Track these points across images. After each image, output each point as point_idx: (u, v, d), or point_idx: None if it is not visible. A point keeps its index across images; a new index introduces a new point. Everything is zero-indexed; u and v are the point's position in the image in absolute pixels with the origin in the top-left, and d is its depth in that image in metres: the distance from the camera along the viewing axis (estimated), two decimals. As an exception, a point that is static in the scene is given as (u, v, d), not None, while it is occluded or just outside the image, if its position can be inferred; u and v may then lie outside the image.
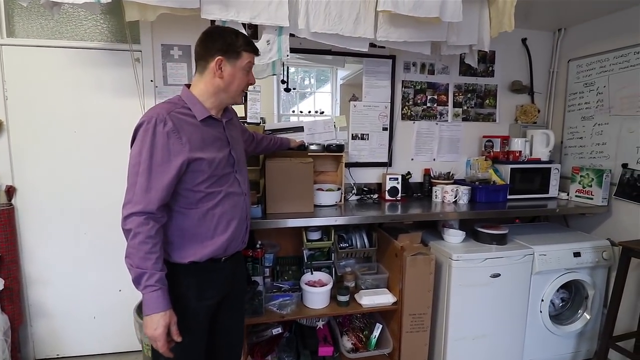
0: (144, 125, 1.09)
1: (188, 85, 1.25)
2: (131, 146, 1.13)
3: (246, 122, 2.13)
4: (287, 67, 2.34)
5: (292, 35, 1.85)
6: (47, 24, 1.96)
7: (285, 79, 2.35)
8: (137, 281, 1.07)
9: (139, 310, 1.79)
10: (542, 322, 2.09)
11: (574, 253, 2.05)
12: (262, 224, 1.74)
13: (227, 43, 1.18)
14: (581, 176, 2.32)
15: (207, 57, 1.18)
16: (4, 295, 1.95)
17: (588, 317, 2.16)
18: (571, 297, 2.26)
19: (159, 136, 1.08)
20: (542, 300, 2.06)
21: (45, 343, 2.15)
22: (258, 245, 1.96)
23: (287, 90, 2.38)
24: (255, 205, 1.77)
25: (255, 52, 1.25)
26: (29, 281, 2.09)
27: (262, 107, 2.23)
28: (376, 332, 2.02)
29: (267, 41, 1.84)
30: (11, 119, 1.96)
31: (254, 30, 2.03)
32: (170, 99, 1.24)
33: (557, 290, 2.10)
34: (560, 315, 2.24)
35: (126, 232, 1.07)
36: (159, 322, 1.08)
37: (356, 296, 1.96)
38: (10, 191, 1.99)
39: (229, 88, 1.22)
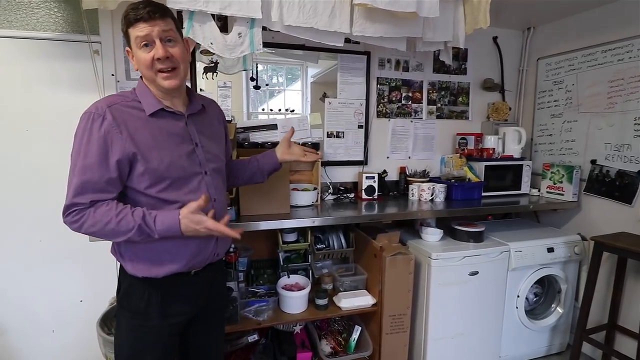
0: (83, 121, 1.01)
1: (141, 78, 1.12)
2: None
3: (217, 119, 2.03)
4: (256, 64, 2.26)
5: (264, 28, 1.77)
6: (-8, 12, 1.78)
7: (254, 76, 2.26)
8: (146, 236, 1.01)
9: (103, 322, 1.65)
10: (518, 317, 2.11)
11: (547, 249, 2.09)
12: (235, 227, 1.64)
13: (122, 32, 1.06)
14: (552, 172, 2.38)
15: None
16: (-55, 313, 1.75)
17: (561, 311, 2.20)
18: (544, 291, 2.30)
19: (94, 134, 0.98)
20: (518, 296, 2.09)
21: (-2, 362, 1.96)
22: (231, 249, 1.87)
23: (257, 87, 2.29)
24: (229, 208, 1.68)
25: (139, 17, 1.00)
26: (-25, 295, 1.89)
27: (230, 105, 2.13)
28: (355, 335, 1.97)
29: (239, 34, 1.75)
30: (-49, 116, 1.76)
31: (223, 22, 1.93)
32: (122, 91, 1.13)
33: (532, 286, 2.13)
34: (534, 310, 2.28)
35: (83, 229, 1.00)
36: (188, 220, 1.01)
37: (335, 299, 1.91)
38: (-50, 196, 1.79)
39: (142, 71, 1.06)
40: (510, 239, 2.09)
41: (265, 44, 1.98)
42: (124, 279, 1.12)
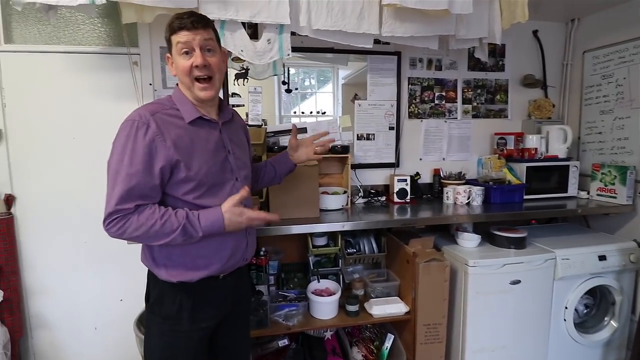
0: (126, 129, 1.02)
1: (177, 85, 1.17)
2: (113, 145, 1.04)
3: (248, 124, 2.06)
4: (288, 68, 2.29)
5: (293, 33, 1.78)
6: (45, 29, 1.92)
7: (286, 80, 2.28)
8: (190, 237, 1.03)
9: (140, 322, 1.71)
10: (566, 330, 1.95)
11: (598, 256, 1.92)
12: (264, 231, 1.65)
13: (165, 39, 1.10)
14: (602, 173, 2.19)
15: None
16: (4, 307, 1.89)
17: (615, 325, 2.01)
18: (596, 303, 2.12)
19: (139, 142, 1.00)
20: (566, 308, 1.93)
21: (46, 355, 2.08)
22: (262, 253, 1.88)
23: (288, 91, 2.31)
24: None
25: (184, 26, 1.04)
26: (29, 292, 2.03)
27: (263, 108, 2.16)
28: (388, 344, 1.91)
29: (268, 40, 1.78)
30: (9, 127, 1.92)
31: (254, 29, 1.97)
32: (159, 99, 1.16)
33: (582, 296, 1.97)
34: (584, 322, 2.10)
35: (127, 234, 1.00)
36: (232, 215, 1.06)
37: (366, 305, 1.86)
38: (9, 200, 1.94)
39: (181, 78, 1.10)
40: (557, 245, 1.94)
41: (295, 49, 1.99)
42: (155, 285, 1.15)
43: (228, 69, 2.07)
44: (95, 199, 2.00)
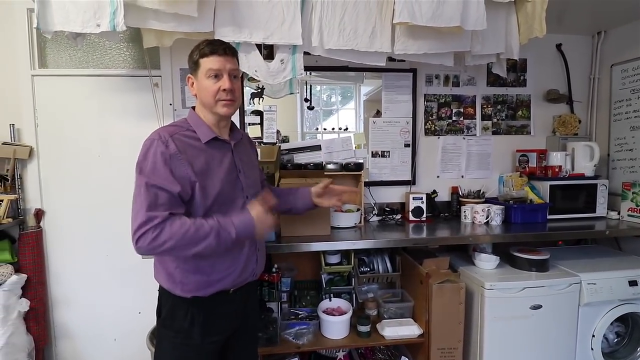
0: (145, 147, 1.07)
1: (193, 108, 1.22)
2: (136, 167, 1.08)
3: (262, 141, 2.10)
4: (311, 86, 2.32)
5: (307, 53, 1.81)
6: (75, 54, 2.06)
7: (308, 97, 2.31)
8: (224, 242, 1.06)
9: (153, 335, 1.75)
10: (594, 360, 1.83)
11: (629, 282, 1.79)
12: (277, 248, 1.67)
13: (191, 60, 1.16)
14: (634, 193, 2.07)
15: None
16: (30, 316, 1.99)
17: (651, 356, 1.87)
18: (628, 331, 1.97)
19: (159, 157, 1.04)
20: (593, 336, 1.81)
21: (69, 364, 2.17)
22: (274, 269, 1.88)
23: (311, 108, 2.34)
24: (269, 229, 1.71)
25: (215, 51, 1.11)
26: (54, 302, 2.13)
27: (284, 125, 2.20)
28: (401, 366, 1.85)
29: (281, 60, 1.82)
30: (41, 145, 2.05)
31: (269, 50, 2.02)
32: (175, 121, 1.21)
33: (611, 324, 1.84)
34: (615, 352, 1.96)
35: (163, 245, 1.01)
36: (258, 220, 1.09)
37: (378, 326, 1.82)
38: (39, 214, 2.06)
39: (204, 100, 1.15)
40: (582, 269, 1.83)
41: (309, 68, 2.03)
42: (167, 300, 1.17)
43: (244, 88, 2.13)
44: (117, 214, 2.11)
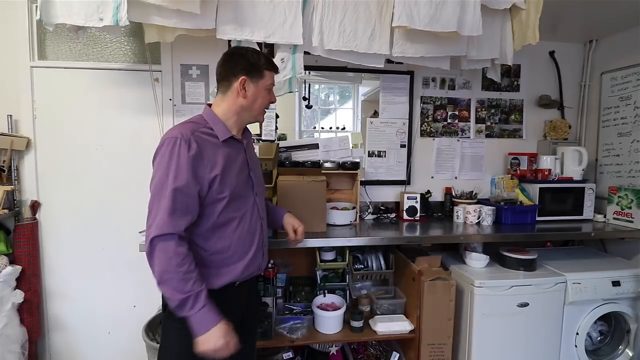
0: (169, 146, 1.07)
1: (209, 105, 1.25)
2: (153, 164, 1.10)
3: (261, 139, 2.13)
4: (309, 84, 2.35)
5: (307, 52, 1.85)
6: (75, 47, 2.06)
7: (306, 96, 2.34)
8: (181, 307, 1.02)
9: (148, 328, 1.77)
10: (577, 357, 1.90)
11: (612, 282, 1.86)
12: (272, 243, 1.69)
13: (250, 63, 1.18)
14: (619, 197, 2.14)
15: (230, 78, 1.18)
16: (24, 308, 1.98)
17: (630, 354, 1.94)
18: (611, 330, 2.05)
19: (183, 157, 1.05)
20: (577, 334, 1.87)
21: (62, 356, 2.17)
22: (270, 265, 1.92)
23: (309, 107, 2.37)
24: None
25: (276, 70, 1.26)
26: (48, 294, 2.13)
27: (282, 123, 2.23)
28: (392, 361, 1.90)
29: (282, 59, 1.84)
30: (39, 137, 2.04)
31: (270, 48, 2.04)
32: (192, 118, 1.23)
33: (595, 322, 1.91)
34: (598, 350, 2.03)
35: (154, 256, 1.02)
36: (219, 333, 1.04)
37: (370, 322, 1.86)
38: (35, 206, 2.06)
39: (252, 107, 1.22)
40: (568, 269, 1.90)
41: (309, 67, 2.06)
42: None
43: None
44: (114, 207, 2.12)
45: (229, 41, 1.92)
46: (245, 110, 1.21)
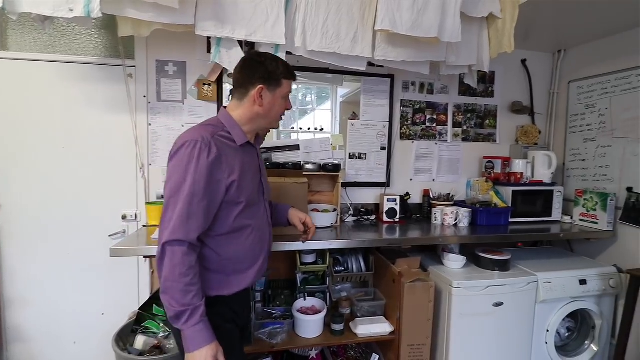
0: (188, 149, 1.03)
1: (224, 107, 1.23)
2: (168, 165, 1.07)
3: (240, 139, 2.08)
4: (289, 85, 2.31)
5: (289, 53, 1.82)
6: (41, 38, 1.93)
7: (284, 97, 2.31)
8: (177, 318, 1.00)
9: (119, 337, 1.68)
10: (547, 353, 1.98)
11: (579, 280, 1.96)
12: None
13: (268, 71, 1.16)
14: (585, 199, 2.26)
15: (247, 85, 1.17)
16: (-20, 318, 1.84)
17: (596, 348, 2.05)
18: (577, 326, 2.15)
19: (203, 162, 1.03)
20: (548, 331, 1.96)
21: (22, 370, 2.03)
22: (249, 269, 1.87)
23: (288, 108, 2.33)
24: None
25: (294, 78, 1.24)
26: (8, 303, 1.98)
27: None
28: (372, 363, 1.90)
29: (263, 58, 1.80)
30: (-1, 134, 1.90)
31: (251, 47, 2.00)
32: (209, 120, 1.19)
33: (563, 320, 2.00)
34: (566, 346, 2.13)
35: (163, 262, 1.01)
36: (209, 353, 1.02)
37: (351, 324, 1.86)
38: (-7, 208, 1.91)
39: (269, 115, 1.21)
40: (539, 268, 1.98)
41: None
42: None
43: (224, 85, 2.10)
44: (81, 209, 2.00)
45: (209, 38, 1.86)
46: (262, 118, 1.20)
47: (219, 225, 1.12)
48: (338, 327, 1.81)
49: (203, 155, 1.03)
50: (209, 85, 2.05)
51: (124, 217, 2.05)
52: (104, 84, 1.98)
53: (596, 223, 2.18)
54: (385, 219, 2.20)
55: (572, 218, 2.34)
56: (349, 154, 2.31)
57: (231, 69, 1.79)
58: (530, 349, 1.95)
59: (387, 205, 2.20)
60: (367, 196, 2.36)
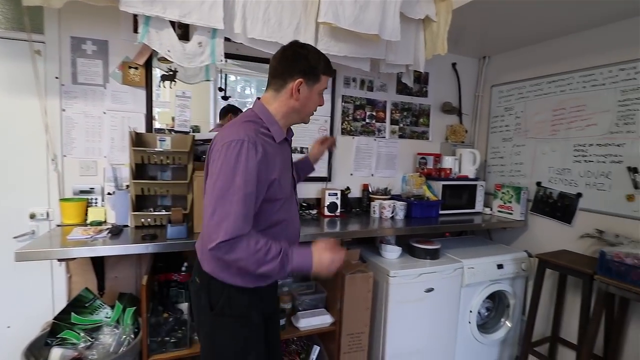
0: (235, 148, 1.01)
1: (258, 99, 1.19)
2: (210, 164, 1.07)
3: (174, 130, 1.94)
4: (226, 75, 2.20)
5: (228, 39, 1.73)
6: None
7: (223, 87, 2.19)
8: (283, 269, 1.04)
9: (29, 352, 1.47)
10: (470, 332, 2.18)
11: (497, 265, 2.18)
12: (188, 245, 1.55)
13: (310, 65, 1.12)
14: (502, 193, 2.51)
15: (286, 77, 1.12)
16: None
17: (510, 324, 2.30)
18: (495, 306, 2.40)
19: (251, 162, 1.01)
20: (471, 311, 2.15)
21: None
22: (184, 268, 1.77)
23: (225, 98, 2.22)
24: (181, 224, 1.59)
25: (332, 74, 1.24)
26: None
27: (196, 114, 2.05)
28: (313, 355, 1.92)
29: (199, 43, 1.69)
30: None
31: (184, 30, 1.86)
32: (247, 116, 1.15)
33: (483, 301, 2.22)
34: (485, 324, 2.37)
35: (233, 257, 1.01)
36: (320, 254, 1.08)
37: (293, 319, 1.85)
38: None
39: (303, 110, 1.18)
40: (464, 255, 2.16)
41: (229, 55, 1.93)
42: (222, 290, 1.15)
43: (153, 69, 1.92)
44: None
45: (135, 16, 1.68)
46: (296, 112, 1.18)
47: (261, 218, 1.11)
48: (280, 322, 1.78)
49: (251, 155, 1.02)
50: (136, 68, 1.87)
51: (32, 216, 1.78)
52: (5, 60, 1.69)
53: (511, 214, 2.44)
54: (326, 212, 2.22)
55: (491, 209, 2.59)
56: (291, 148, 2.27)
57: (163, 53, 1.66)
58: (456, 329, 2.13)
59: (328, 200, 2.22)
60: (309, 190, 2.36)
